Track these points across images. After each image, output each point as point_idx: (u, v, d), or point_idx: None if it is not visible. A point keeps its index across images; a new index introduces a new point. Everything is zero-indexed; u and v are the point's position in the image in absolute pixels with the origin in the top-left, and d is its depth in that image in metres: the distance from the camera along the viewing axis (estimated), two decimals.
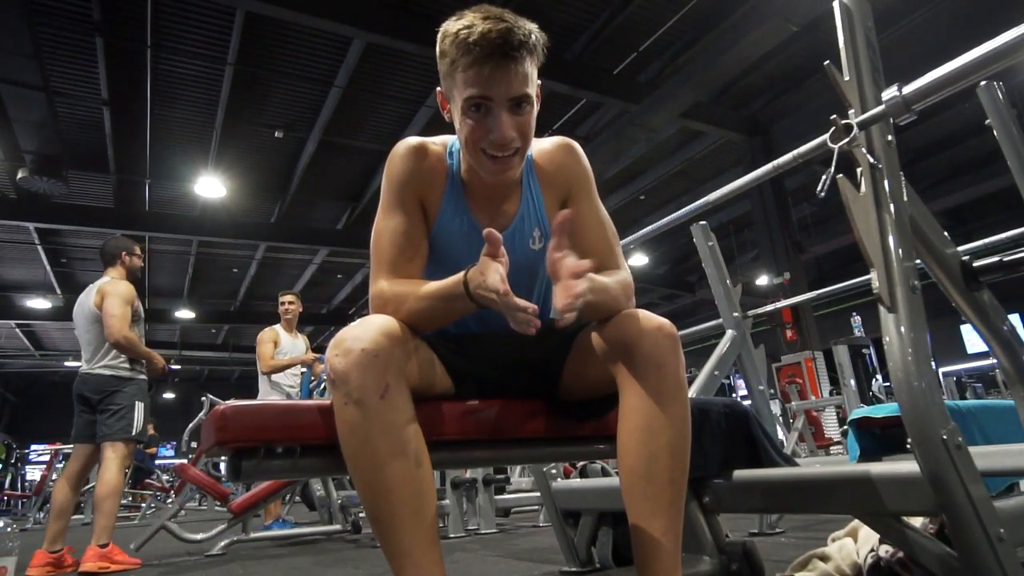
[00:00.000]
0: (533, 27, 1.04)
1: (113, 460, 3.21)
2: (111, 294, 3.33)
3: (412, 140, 1.16)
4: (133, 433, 3.28)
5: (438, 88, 1.12)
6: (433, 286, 1.03)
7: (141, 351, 3.38)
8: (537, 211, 1.18)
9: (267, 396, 4.51)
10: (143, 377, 3.44)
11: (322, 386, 5.09)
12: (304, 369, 4.76)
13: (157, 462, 10.48)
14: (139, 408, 3.33)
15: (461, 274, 1.00)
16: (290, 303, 4.72)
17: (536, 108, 1.10)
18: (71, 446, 3.42)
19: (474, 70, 0.98)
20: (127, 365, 3.38)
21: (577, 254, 1.16)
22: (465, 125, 1.03)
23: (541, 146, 1.22)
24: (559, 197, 1.20)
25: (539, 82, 1.10)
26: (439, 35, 1.05)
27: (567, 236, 0.98)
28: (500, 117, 1.01)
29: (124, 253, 3.54)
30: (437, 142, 1.17)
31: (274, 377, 4.53)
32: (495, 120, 1.01)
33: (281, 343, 4.57)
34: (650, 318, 1.02)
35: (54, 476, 8.33)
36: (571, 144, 1.22)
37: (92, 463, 3.36)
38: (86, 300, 3.42)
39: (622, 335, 1.01)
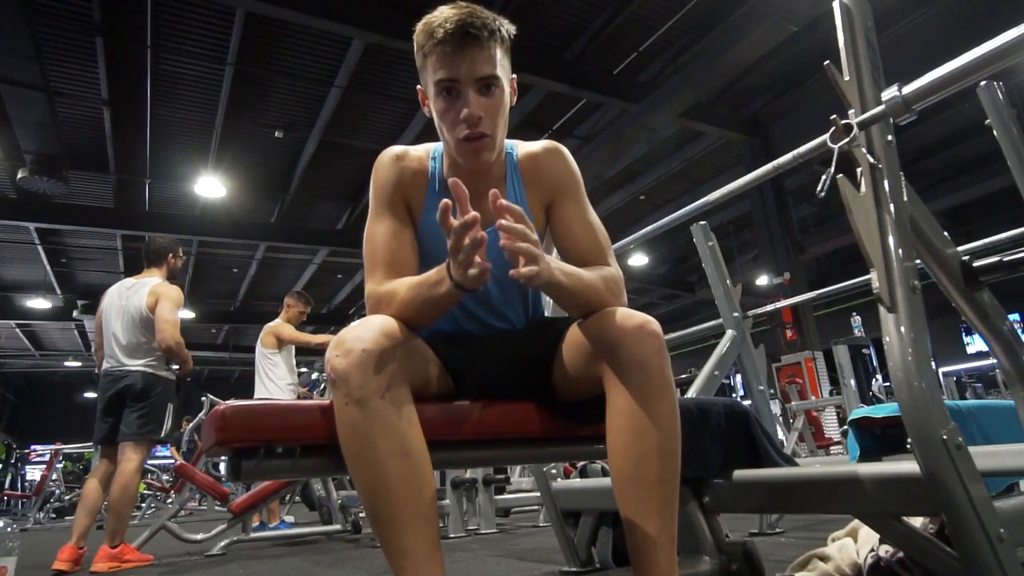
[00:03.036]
0: (501, 18, 1.09)
1: (134, 461, 3.18)
2: (165, 297, 3.33)
3: (395, 148, 1.20)
4: (162, 434, 3.29)
5: (418, 86, 1.16)
6: (418, 277, 1.06)
7: (185, 354, 3.39)
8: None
9: (283, 389, 4.47)
10: (174, 379, 3.44)
11: (322, 386, 5.09)
12: (304, 369, 4.76)
13: (157, 462, 10.48)
14: (169, 410, 3.34)
15: (445, 262, 1.00)
16: (307, 314, 4.75)
17: (510, 97, 1.12)
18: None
19: (439, 51, 1.03)
20: (165, 366, 3.38)
21: (566, 257, 1.17)
22: (438, 110, 1.08)
23: (527, 149, 1.23)
24: (544, 199, 1.21)
25: (514, 76, 1.14)
26: (414, 34, 1.09)
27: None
28: (468, 97, 1.04)
29: (171, 255, 3.56)
30: (419, 148, 1.21)
31: (281, 378, 4.50)
32: (464, 100, 1.04)
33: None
34: (630, 316, 1.00)
35: (54, 476, 8.33)
36: (557, 147, 1.23)
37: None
38: (134, 298, 3.35)
39: (603, 335, 1.00)
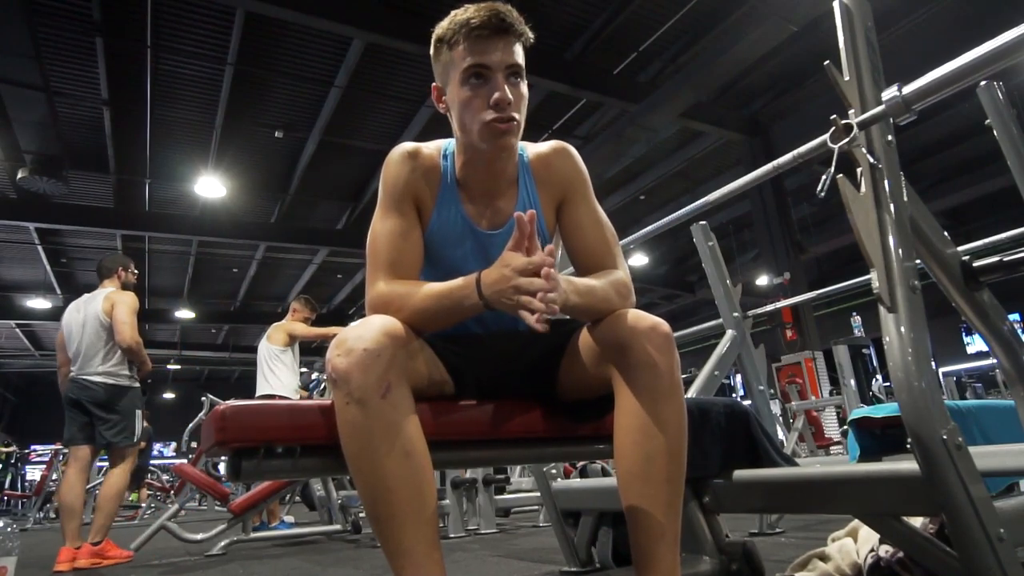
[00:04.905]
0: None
1: (120, 466, 3.43)
2: (120, 302, 3.53)
3: (407, 145, 1.19)
4: (135, 440, 3.50)
5: (433, 83, 1.16)
6: (440, 285, 1.04)
7: (144, 355, 3.59)
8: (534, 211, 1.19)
9: (288, 385, 4.48)
10: (137, 385, 3.62)
11: (322, 386, 5.08)
12: (304, 370, 4.76)
13: (156, 462, 10.44)
14: (138, 416, 3.54)
15: (473, 275, 1.01)
16: (312, 320, 4.79)
17: (526, 95, 1.14)
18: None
19: (472, 41, 1.05)
20: (126, 373, 3.55)
21: (575, 255, 1.17)
22: (462, 99, 1.08)
23: (537, 149, 1.23)
24: (555, 198, 1.21)
25: (527, 82, 1.14)
26: (434, 32, 1.11)
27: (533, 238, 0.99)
28: (499, 81, 1.06)
29: (120, 268, 3.78)
30: (431, 146, 1.20)
31: (286, 376, 4.50)
32: (494, 85, 1.06)
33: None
34: (643, 318, 1.01)
35: (54, 476, 8.31)
36: (567, 147, 1.24)
37: (92, 462, 3.55)
38: (91, 307, 3.56)
39: (615, 336, 1.01)
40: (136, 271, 3.90)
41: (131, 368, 3.57)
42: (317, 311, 4.83)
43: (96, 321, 3.50)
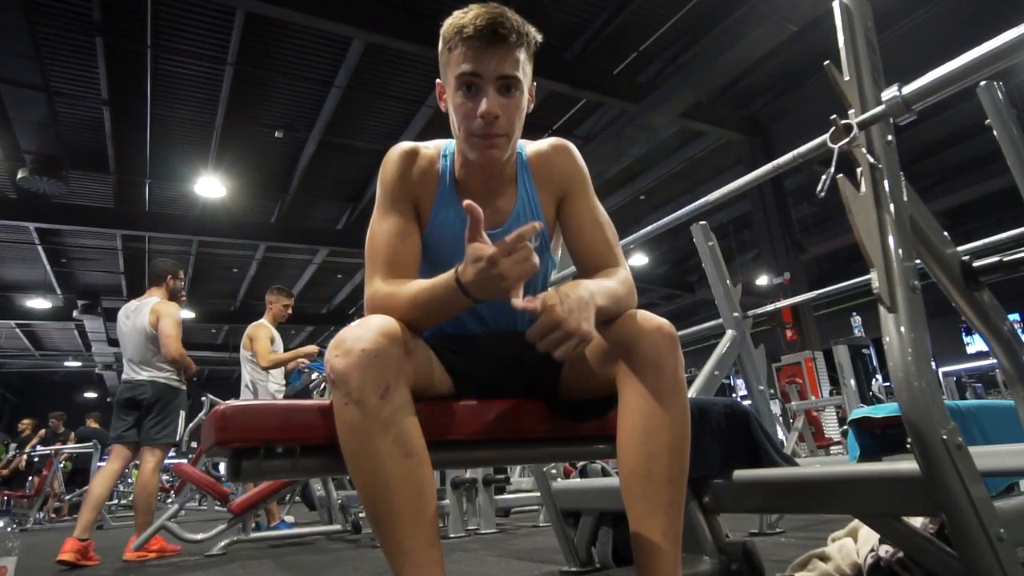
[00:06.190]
0: (529, 25, 1.10)
1: (151, 463, 3.58)
2: (165, 315, 3.68)
3: (405, 144, 1.18)
4: (176, 439, 3.68)
5: (438, 80, 1.16)
6: (425, 283, 1.04)
7: (188, 362, 3.75)
8: (533, 210, 1.19)
9: (264, 388, 4.46)
10: (184, 388, 3.79)
11: (322, 386, 5.07)
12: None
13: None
14: (181, 416, 3.71)
15: (452, 270, 0.99)
16: (291, 306, 4.73)
17: (528, 102, 1.13)
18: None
19: (466, 46, 1.04)
20: (176, 377, 3.75)
21: (576, 253, 1.17)
22: (456, 104, 1.08)
23: (536, 147, 1.23)
24: (555, 196, 1.21)
25: (534, 83, 1.14)
26: (442, 28, 1.10)
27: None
28: (488, 93, 1.05)
29: (169, 276, 3.94)
30: (430, 145, 1.20)
31: (260, 378, 4.47)
32: (483, 97, 1.05)
33: (276, 340, 4.54)
34: (649, 318, 1.02)
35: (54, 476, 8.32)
36: (565, 144, 1.24)
37: (130, 461, 3.73)
38: (139, 318, 3.72)
39: (621, 335, 1.01)
40: (183, 277, 4.02)
41: (178, 372, 3.75)
42: (292, 295, 4.80)
43: (143, 332, 3.66)
